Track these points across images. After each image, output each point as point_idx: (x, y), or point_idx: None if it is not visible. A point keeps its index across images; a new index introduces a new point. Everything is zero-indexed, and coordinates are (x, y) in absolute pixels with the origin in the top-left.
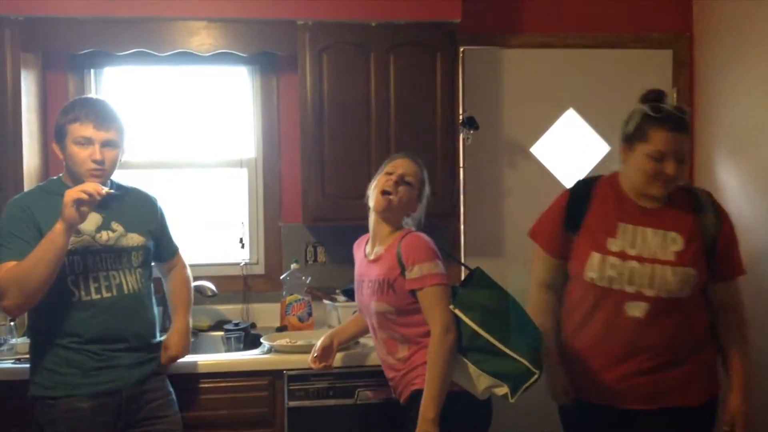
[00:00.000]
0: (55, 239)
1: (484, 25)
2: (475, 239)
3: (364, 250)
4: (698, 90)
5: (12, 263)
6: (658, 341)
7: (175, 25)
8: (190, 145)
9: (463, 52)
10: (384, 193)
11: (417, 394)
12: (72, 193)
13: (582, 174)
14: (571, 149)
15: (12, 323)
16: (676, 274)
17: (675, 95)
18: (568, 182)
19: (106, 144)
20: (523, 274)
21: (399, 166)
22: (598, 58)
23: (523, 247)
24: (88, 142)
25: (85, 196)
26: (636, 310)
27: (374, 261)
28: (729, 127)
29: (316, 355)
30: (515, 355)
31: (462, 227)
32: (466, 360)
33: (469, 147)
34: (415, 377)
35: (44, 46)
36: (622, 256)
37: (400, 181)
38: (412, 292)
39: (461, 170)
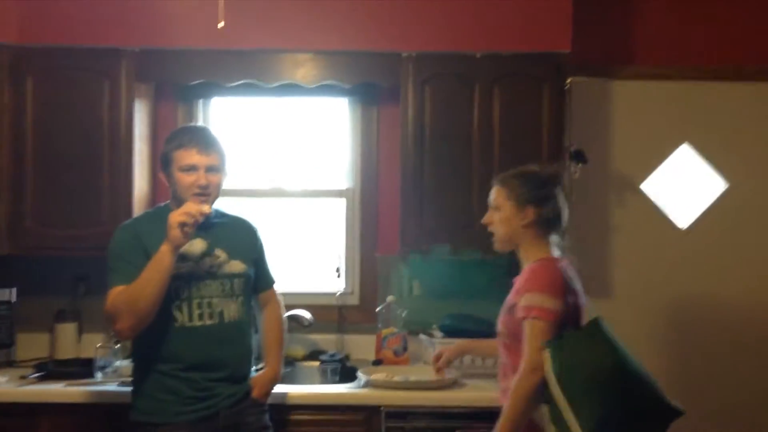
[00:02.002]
0: (161, 260)
1: (593, 56)
2: (581, 277)
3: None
4: None
5: (121, 287)
6: None
7: (282, 57)
8: (291, 174)
9: (570, 83)
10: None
11: None
12: (176, 216)
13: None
14: (684, 186)
15: (117, 346)
16: None
17: None
18: (680, 221)
19: (209, 169)
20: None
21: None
22: (715, 91)
23: (632, 287)
24: (192, 168)
25: (188, 219)
26: None
27: (513, 286)
28: None
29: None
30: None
31: None
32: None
33: (576, 181)
34: None
35: (157, 77)
36: None
37: (489, 211)
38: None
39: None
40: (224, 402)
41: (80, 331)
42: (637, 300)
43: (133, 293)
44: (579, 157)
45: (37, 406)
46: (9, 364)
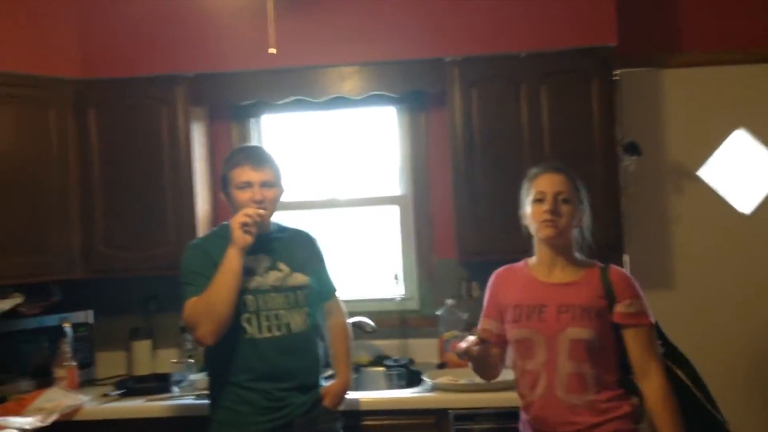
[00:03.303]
0: (230, 263)
1: (640, 46)
2: (642, 272)
3: (529, 275)
4: None
5: (196, 298)
6: None
7: (329, 72)
8: (345, 185)
9: (618, 75)
10: (545, 222)
11: None
12: (236, 218)
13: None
14: (744, 171)
15: (190, 360)
16: None
17: None
18: (742, 206)
19: (264, 184)
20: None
21: (546, 185)
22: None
23: (695, 278)
24: (247, 184)
25: (247, 219)
26: None
27: (566, 285)
28: None
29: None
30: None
31: (626, 258)
32: None
33: (631, 174)
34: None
35: (211, 100)
36: None
37: (557, 202)
38: (615, 328)
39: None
40: (297, 411)
41: (154, 348)
42: (700, 291)
43: (210, 299)
44: (632, 149)
45: (120, 423)
46: (90, 382)
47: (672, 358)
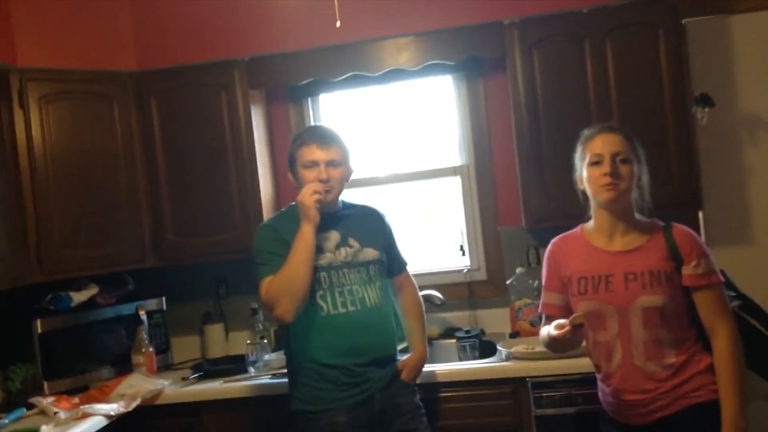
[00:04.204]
0: (305, 238)
1: None
2: (719, 227)
3: (590, 244)
4: None
5: (271, 277)
6: None
7: (385, 44)
8: (405, 159)
9: (685, 25)
10: (605, 186)
11: (698, 409)
12: (307, 193)
13: None
14: None
15: (264, 340)
16: None
17: None
18: None
19: (330, 163)
20: None
21: (602, 146)
22: None
23: None
24: (314, 164)
25: (318, 194)
26: None
27: (630, 252)
28: None
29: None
30: None
31: (701, 215)
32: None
33: (704, 127)
34: (692, 390)
35: (268, 82)
36: None
37: (615, 163)
38: (685, 289)
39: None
40: (376, 385)
41: (227, 331)
42: None
43: (287, 276)
44: (705, 101)
45: (200, 405)
46: (167, 367)
47: (747, 309)
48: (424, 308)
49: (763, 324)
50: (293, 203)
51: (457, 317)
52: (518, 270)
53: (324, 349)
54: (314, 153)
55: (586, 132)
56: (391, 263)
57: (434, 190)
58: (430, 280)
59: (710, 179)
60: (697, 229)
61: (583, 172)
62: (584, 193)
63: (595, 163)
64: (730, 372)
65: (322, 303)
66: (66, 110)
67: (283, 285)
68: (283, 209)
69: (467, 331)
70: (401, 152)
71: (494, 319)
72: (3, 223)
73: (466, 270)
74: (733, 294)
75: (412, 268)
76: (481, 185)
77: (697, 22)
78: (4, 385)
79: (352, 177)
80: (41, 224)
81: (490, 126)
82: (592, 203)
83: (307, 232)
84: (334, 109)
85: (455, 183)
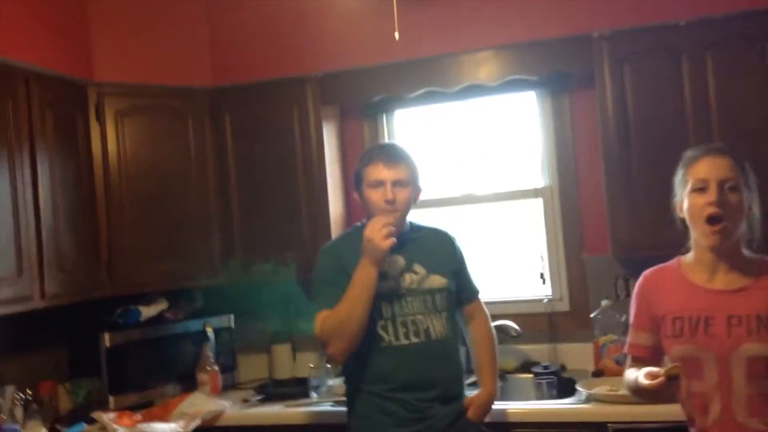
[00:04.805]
0: (363, 277)
1: None
2: None
3: (687, 280)
4: None
5: (327, 311)
6: None
7: (463, 59)
8: (482, 179)
9: None
10: (710, 220)
11: None
12: (373, 229)
13: None
14: None
15: (328, 365)
16: None
17: None
18: None
19: (396, 183)
20: None
21: (708, 171)
22: None
23: None
24: (379, 183)
25: (384, 230)
26: None
27: (734, 292)
28: None
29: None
30: None
31: None
32: None
33: None
34: None
35: (341, 98)
36: None
37: (722, 192)
38: None
39: None
40: (439, 423)
41: (294, 351)
42: None
43: (341, 316)
44: None
45: (260, 428)
46: (233, 386)
47: None
48: (496, 340)
49: None
50: (359, 224)
51: (536, 351)
52: (604, 303)
53: (384, 381)
54: (380, 172)
55: (689, 153)
56: (461, 291)
57: (514, 213)
58: (506, 309)
59: None
60: None
61: (684, 199)
62: (683, 221)
63: (699, 189)
64: None
65: (383, 333)
66: (141, 125)
67: (337, 325)
68: (349, 230)
69: (545, 367)
70: (479, 172)
71: (576, 355)
72: (75, 235)
73: (546, 300)
74: None
75: (487, 297)
76: (565, 209)
77: None
78: (71, 398)
79: (425, 197)
80: (113, 238)
81: (576, 146)
82: (693, 234)
83: (370, 273)
84: (410, 126)
85: (537, 206)
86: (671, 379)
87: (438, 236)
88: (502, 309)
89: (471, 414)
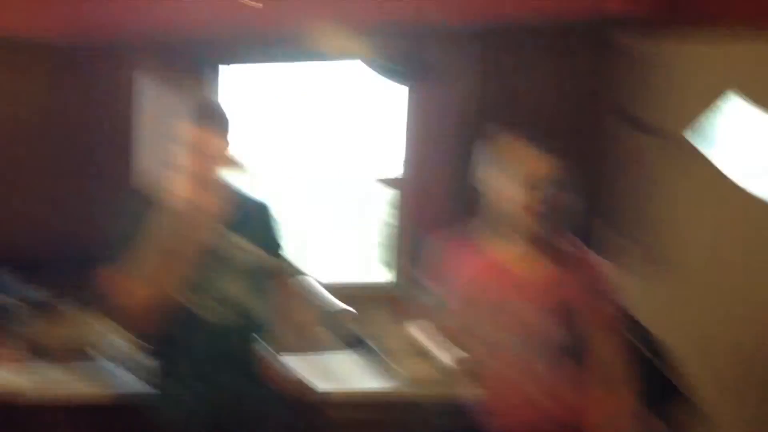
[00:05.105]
0: (171, 235)
1: (655, 16)
2: (639, 255)
3: (495, 261)
4: None
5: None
6: None
7: (311, 31)
8: (330, 154)
9: (625, 46)
10: (532, 210)
11: None
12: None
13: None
14: (750, 150)
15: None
16: None
17: None
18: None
19: (210, 138)
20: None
21: (533, 166)
22: None
23: (697, 262)
24: (191, 140)
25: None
26: None
27: (537, 278)
28: None
29: None
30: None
31: (623, 241)
32: None
33: (634, 151)
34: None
35: (166, 51)
36: None
37: (544, 188)
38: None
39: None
40: (235, 394)
41: None
42: (701, 276)
43: (148, 273)
44: (637, 124)
45: None
46: None
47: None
48: (317, 317)
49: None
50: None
51: (369, 331)
52: (431, 284)
53: (186, 355)
54: (191, 129)
55: (512, 141)
56: (277, 265)
57: (358, 194)
58: (342, 292)
59: (635, 205)
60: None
61: (504, 185)
62: (493, 203)
63: (525, 184)
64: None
65: (188, 305)
66: None
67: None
68: (158, 191)
69: (371, 347)
70: (331, 149)
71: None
72: None
73: (382, 282)
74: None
75: (319, 276)
76: (408, 194)
77: (638, 44)
78: None
79: (262, 166)
80: None
81: (423, 133)
82: (504, 220)
83: (176, 225)
84: (249, 85)
85: (383, 189)
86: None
87: (257, 206)
88: (338, 292)
89: (276, 385)
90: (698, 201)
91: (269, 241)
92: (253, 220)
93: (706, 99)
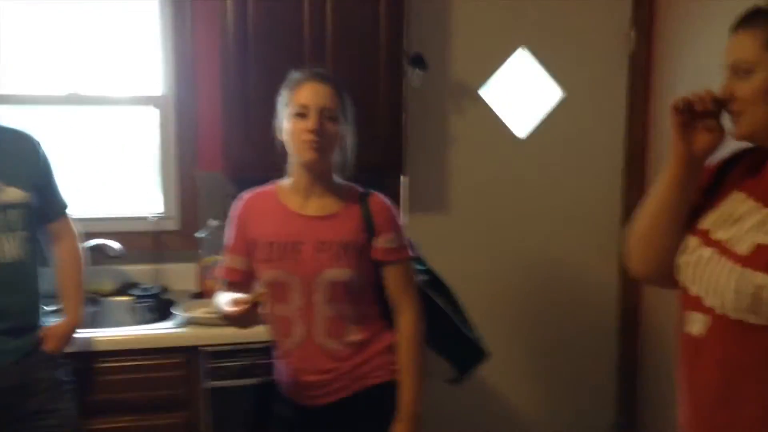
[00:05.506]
0: None
1: None
2: (418, 193)
3: (282, 205)
4: (658, 31)
5: None
6: None
7: None
8: (92, 78)
9: None
10: (307, 143)
11: (376, 391)
12: None
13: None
14: (523, 94)
15: None
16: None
17: (633, 36)
18: (518, 130)
19: None
20: (467, 230)
21: (310, 98)
22: None
23: (469, 201)
24: None
25: None
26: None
27: (324, 218)
28: (693, 72)
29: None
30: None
31: (404, 180)
32: None
33: (414, 89)
34: (371, 370)
35: None
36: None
37: (322, 119)
38: (376, 263)
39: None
40: (8, 358)
41: None
42: (474, 215)
43: None
44: (418, 62)
45: None
46: None
47: (432, 286)
48: (84, 262)
49: (445, 300)
50: None
51: (140, 272)
52: (212, 222)
53: None
54: None
55: (294, 76)
56: (45, 207)
57: (125, 121)
58: (109, 226)
59: (414, 144)
60: (397, 194)
61: (285, 122)
62: (284, 145)
63: (299, 114)
64: (410, 354)
65: None
66: None
67: None
68: None
69: (145, 289)
70: (88, 70)
71: (183, 276)
72: None
73: (154, 217)
74: (421, 268)
75: (84, 212)
76: (180, 121)
77: None
78: None
79: (12, 92)
80: None
81: (196, 55)
82: (291, 159)
83: None
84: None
85: (151, 115)
86: (254, 307)
87: (19, 140)
88: (104, 226)
89: (48, 346)
90: (471, 141)
91: (41, 180)
92: (17, 156)
93: (474, 34)
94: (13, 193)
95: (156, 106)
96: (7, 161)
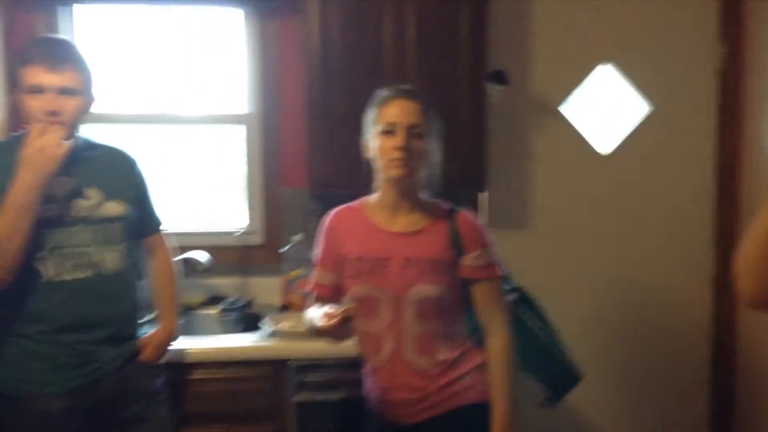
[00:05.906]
0: (25, 194)
1: None
2: (499, 210)
3: (370, 221)
4: (748, 46)
5: None
6: None
7: None
8: (180, 98)
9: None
10: (395, 161)
11: (467, 410)
12: (55, 147)
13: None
14: (607, 110)
15: None
16: None
17: (722, 52)
18: (601, 146)
19: (63, 91)
20: (549, 247)
21: (398, 115)
22: (638, 6)
23: (552, 218)
24: (39, 90)
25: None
26: None
27: (410, 235)
28: None
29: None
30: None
31: (484, 197)
32: None
33: (494, 105)
34: (462, 389)
35: None
36: None
37: (409, 137)
38: (463, 280)
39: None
40: (106, 367)
41: None
42: (556, 232)
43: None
44: (499, 78)
45: None
46: None
47: (521, 305)
48: (177, 275)
49: (537, 320)
50: (19, 133)
51: (226, 285)
52: (296, 237)
53: (39, 322)
54: (41, 76)
55: (381, 93)
56: (142, 221)
57: (212, 139)
58: (197, 240)
59: (495, 160)
60: (477, 209)
61: (373, 140)
62: (371, 162)
63: (387, 132)
64: (501, 375)
65: (40, 267)
66: None
67: None
68: (16, 134)
69: (233, 302)
70: (178, 90)
71: (267, 290)
72: None
73: (240, 232)
74: (508, 288)
75: (177, 227)
76: (266, 139)
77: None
78: None
79: (107, 111)
80: None
81: (281, 74)
82: (378, 176)
83: (32, 190)
84: (96, 23)
85: (239, 133)
86: (346, 320)
87: (118, 158)
88: (193, 240)
89: (146, 355)
90: (552, 157)
91: (138, 195)
92: (117, 173)
93: (556, 50)
94: (114, 207)
95: (243, 123)
96: (107, 176)
